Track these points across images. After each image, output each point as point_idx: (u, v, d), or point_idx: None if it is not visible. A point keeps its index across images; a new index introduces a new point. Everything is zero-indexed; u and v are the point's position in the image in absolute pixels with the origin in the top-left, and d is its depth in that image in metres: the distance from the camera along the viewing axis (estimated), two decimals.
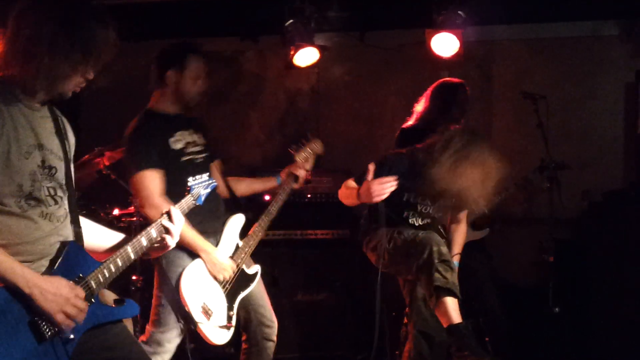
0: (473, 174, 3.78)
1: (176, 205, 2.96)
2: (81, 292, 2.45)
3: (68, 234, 2.59)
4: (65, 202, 2.61)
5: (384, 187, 3.86)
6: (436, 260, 3.84)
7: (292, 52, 5.47)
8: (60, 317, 2.37)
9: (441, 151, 3.86)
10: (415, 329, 4.15)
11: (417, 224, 4.21)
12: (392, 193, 3.93)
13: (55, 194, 2.54)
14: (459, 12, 5.23)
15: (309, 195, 5.54)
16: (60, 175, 2.58)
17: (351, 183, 4.14)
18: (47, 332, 2.37)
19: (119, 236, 2.89)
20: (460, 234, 4.43)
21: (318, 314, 5.38)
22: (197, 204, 3.12)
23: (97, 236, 2.83)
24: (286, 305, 5.35)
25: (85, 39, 2.42)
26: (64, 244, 2.53)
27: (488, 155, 3.82)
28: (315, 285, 5.40)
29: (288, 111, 6.50)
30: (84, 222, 2.76)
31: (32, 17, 2.41)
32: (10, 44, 2.43)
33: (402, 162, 4.09)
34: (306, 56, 5.53)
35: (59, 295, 2.36)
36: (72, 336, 2.43)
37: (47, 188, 2.51)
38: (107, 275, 2.58)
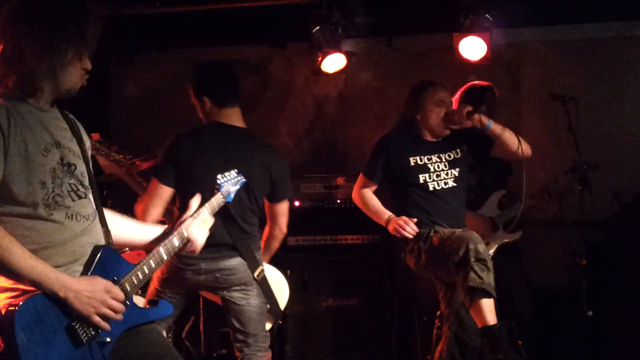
0: None
1: (206, 204, 2.98)
2: (117, 292, 2.46)
3: (99, 234, 2.60)
4: (91, 198, 2.61)
5: (404, 229, 4.17)
6: (472, 259, 3.82)
7: (319, 59, 5.48)
8: (96, 319, 2.39)
9: None
10: (451, 331, 4.14)
11: (439, 187, 4.30)
12: (399, 168, 4.32)
13: (78, 189, 2.54)
14: (486, 15, 5.21)
15: (338, 201, 5.55)
16: (80, 172, 2.58)
17: (369, 195, 4.40)
18: (84, 336, 2.38)
19: (150, 229, 2.92)
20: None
21: (348, 319, 5.37)
22: (227, 201, 3.12)
23: (129, 230, 2.86)
24: (316, 311, 5.36)
25: (61, 25, 2.43)
26: (97, 248, 2.54)
27: None
28: (346, 290, 5.39)
29: (316, 117, 6.52)
30: (114, 217, 2.78)
31: (9, 24, 2.44)
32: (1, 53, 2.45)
33: (395, 136, 4.43)
34: (333, 62, 5.54)
35: (94, 297, 2.38)
36: (108, 339, 2.45)
37: (69, 184, 2.51)
38: (140, 277, 2.61)
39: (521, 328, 4.85)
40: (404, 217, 4.24)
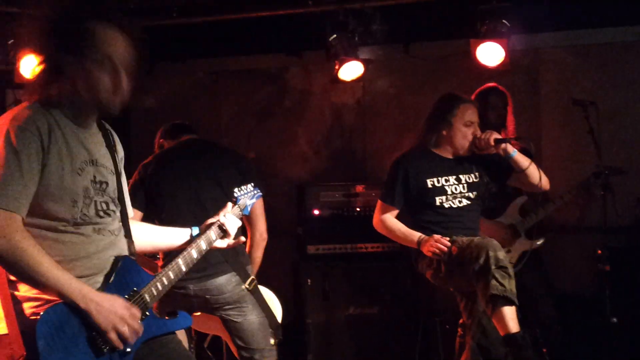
0: None
1: (220, 219, 3.00)
2: (137, 312, 2.48)
3: (123, 247, 2.64)
4: (118, 215, 2.65)
5: (437, 247, 4.11)
6: (493, 267, 3.79)
7: (336, 67, 5.49)
8: (113, 335, 2.40)
9: None
10: (474, 341, 4.10)
11: (454, 206, 4.26)
12: (416, 189, 4.27)
13: (108, 208, 2.58)
14: (504, 21, 5.19)
15: (358, 209, 5.54)
16: (112, 189, 2.62)
17: (393, 221, 4.37)
18: (104, 347, 2.40)
19: (174, 233, 2.98)
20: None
21: (370, 328, 5.35)
22: (244, 214, 3.15)
23: (151, 236, 2.92)
24: (338, 320, 5.34)
25: (95, 46, 2.46)
26: (117, 258, 2.57)
27: None
28: (367, 298, 5.38)
29: (334, 125, 6.51)
30: (135, 223, 2.82)
31: (50, 38, 2.48)
32: (42, 69, 2.50)
33: (413, 156, 4.37)
34: (351, 70, 5.55)
35: (114, 313, 2.40)
36: (128, 349, 2.47)
37: (100, 203, 2.55)
38: (160, 288, 2.64)
39: (546, 335, 4.81)
40: (435, 236, 4.16)
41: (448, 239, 4.14)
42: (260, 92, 6.58)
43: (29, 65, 5.18)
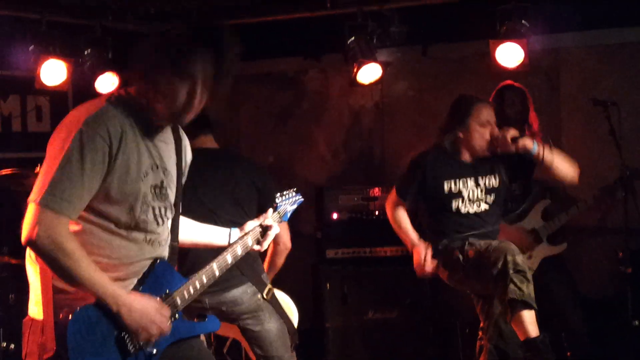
0: None
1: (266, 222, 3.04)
2: (167, 312, 2.55)
3: (164, 252, 2.69)
4: (170, 221, 2.70)
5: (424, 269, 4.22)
6: (511, 271, 3.76)
7: (355, 69, 5.48)
8: (144, 336, 2.47)
9: None
10: (491, 343, 4.08)
11: (472, 211, 4.21)
12: (433, 192, 4.23)
13: (165, 214, 2.63)
14: (523, 21, 5.15)
15: (376, 212, 5.52)
16: (172, 195, 2.66)
17: (399, 214, 4.35)
18: (132, 348, 2.48)
19: (214, 231, 3.05)
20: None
21: (389, 332, 5.34)
22: (283, 220, 3.16)
23: (194, 233, 2.99)
24: (357, 324, 5.33)
25: (186, 63, 2.45)
26: (154, 260, 2.62)
27: None
28: (385, 303, 5.36)
29: (353, 128, 6.51)
30: (183, 221, 2.86)
31: (145, 51, 2.51)
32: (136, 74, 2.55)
33: (432, 157, 4.31)
34: (369, 73, 5.52)
35: (146, 315, 2.47)
36: (154, 351, 2.54)
37: (158, 208, 2.59)
38: (192, 292, 2.69)
39: (571, 339, 4.77)
40: (422, 254, 4.24)
41: (433, 264, 4.21)
42: (279, 95, 6.59)
43: (49, 72, 5.23)
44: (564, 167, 4.15)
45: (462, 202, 4.22)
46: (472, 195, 4.23)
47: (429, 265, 4.23)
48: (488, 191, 4.26)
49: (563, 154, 4.20)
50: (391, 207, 4.42)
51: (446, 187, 4.22)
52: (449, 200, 4.22)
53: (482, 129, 4.21)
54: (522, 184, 4.95)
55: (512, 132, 4.14)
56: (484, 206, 4.25)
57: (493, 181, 4.29)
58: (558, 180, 4.26)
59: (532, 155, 4.11)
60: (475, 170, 4.28)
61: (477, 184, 4.26)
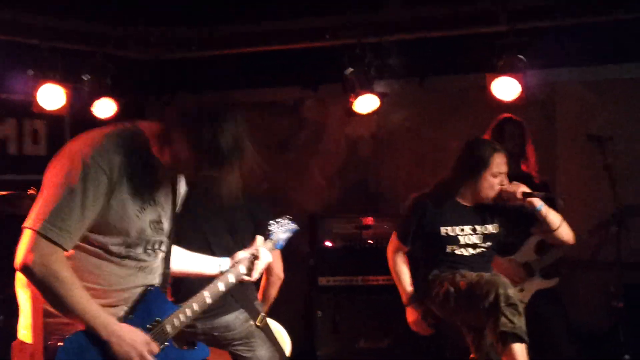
0: None
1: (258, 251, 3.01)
2: (155, 349, 2.54)
3: (156, 280, 2.69)
4: (164, 251, 2.71)
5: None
6: (503, 304, 3.75)
7: (352, 100, 5.52)
8: None
9: None
10: None
11: (466, 254, 4.18)
12: (430, 234, 4.19)
13: (159, 247, 2.65)
14: (520, 56, 5.19)
15: (370, 241, 5.52)
16: (167, 228, 2.67)
17: (398, 262, 4.36)
18: None
19: (204, 261, 3.02)
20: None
21: None
22: (276, 248, 3.14)
23: (185, 262, 2.97)
24: (348, 352, 5.31)
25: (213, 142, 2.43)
26: (146, 287, 2.62)
27: None
28: (377, 332, 5.34)
29: (349, 158, 6.52)
30: (175, 251, 2.85)
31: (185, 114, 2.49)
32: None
33: (432, 200, 4.23)
34: (366, 103, 5.57)
35: (134, 348, 2.47)
36: None
37: (153, 242, 2.61)
38: (182, 319, 2.68)
39: None
40: (417, 319, 4.32)
41: (425, 325, 4.30)
42: (276, 123, 6.62)
43: (48, 96, 5.26)
44: (564, 231, 4.11)
45: (458, 246, 4.18)
46: (468, 241, 4.18)
47: (423, 328, 4.33)
48: (484, 238, 4.20)
49: (565, 222, 4.13)
50: (392, 254, 4.38)
51: (443, 232, 4.18)
52: (444, 244, 4.18)
53: (493, 180, 4.11)
54: (519, 236, 4.90)
55: (522, 188, 4.08)
56: (479, 250, 4.21)
57: (491, 229, 4.22)
58: (556, 241, 4.20)
59: (537, 212, 4.06)
60: (475, 217, 4.21)
61: (475, 231, 4.19)
